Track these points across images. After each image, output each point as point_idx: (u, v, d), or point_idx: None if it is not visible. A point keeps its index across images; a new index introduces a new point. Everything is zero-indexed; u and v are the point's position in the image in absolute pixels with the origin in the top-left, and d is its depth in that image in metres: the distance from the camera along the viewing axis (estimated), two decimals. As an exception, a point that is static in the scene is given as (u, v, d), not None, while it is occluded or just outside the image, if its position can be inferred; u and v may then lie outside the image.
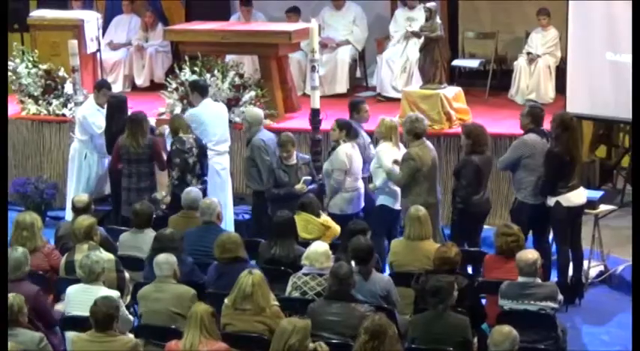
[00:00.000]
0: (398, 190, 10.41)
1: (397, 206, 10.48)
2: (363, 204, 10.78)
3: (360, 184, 10.75)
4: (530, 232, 10.00)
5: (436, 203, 10.31)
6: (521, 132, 10.42)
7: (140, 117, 11.13)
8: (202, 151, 10.97)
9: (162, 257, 8.24)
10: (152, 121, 12.03)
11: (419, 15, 13.65)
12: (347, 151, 10.60)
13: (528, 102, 10.63)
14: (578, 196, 10.11)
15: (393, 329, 7.13)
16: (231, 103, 12.64)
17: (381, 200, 10.53)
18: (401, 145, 10.60)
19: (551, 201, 10.03)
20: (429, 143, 10.48)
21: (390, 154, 10.42)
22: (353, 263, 8.28)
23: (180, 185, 10.69)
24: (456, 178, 10.45)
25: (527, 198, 10.12)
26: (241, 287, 7.76)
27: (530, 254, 8.19)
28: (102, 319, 7.38)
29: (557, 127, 10.01)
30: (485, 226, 10.57)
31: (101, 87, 11.89)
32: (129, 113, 11.41)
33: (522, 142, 10.19)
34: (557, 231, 10.21)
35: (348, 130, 10.72)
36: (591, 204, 10.51)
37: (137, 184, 10.98)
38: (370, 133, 11.04)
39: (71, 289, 8.26)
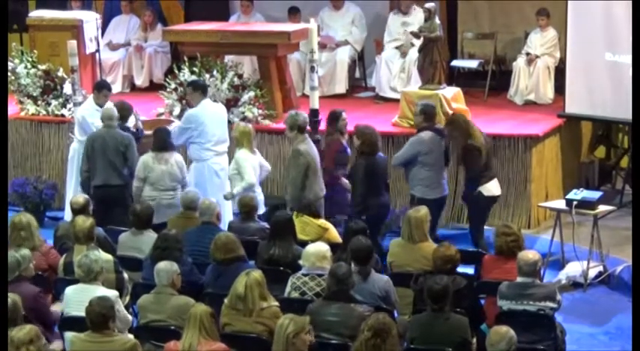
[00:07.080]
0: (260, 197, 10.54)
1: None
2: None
3: None
4: None
5: (323, 196, 10.48)
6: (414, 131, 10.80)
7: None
8: None
9: (163, 265, 8.13)
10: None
11: (414, 20, 13.66)
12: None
13: (421, 101, 10.93)
14: (496, 187, 10.64)
15: (396, 329, 7.14)
16: (230, 104, 12.64)
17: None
18: (257, 150, 10.82)
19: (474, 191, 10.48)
20: (309, 139, 10.60)
21: (250, 161, 10.56)
22: (352, 264, 8.28)
23: None
24: (350, 182, 10.57)
25: (426, 193, 10.44)
26: (235, 287, 7.76)
27: (531, 254, 8.18)
28: (96, 319, 7.34)
29: (451, 127, 10.63)
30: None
31: (102, 88, 11.87)
32: None
33: (420, 140, 10.54)
34: (476, 219, 10.69)
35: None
36: (590, 204, 10.53)
37: None
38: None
39: (69, 289, 8.25)
